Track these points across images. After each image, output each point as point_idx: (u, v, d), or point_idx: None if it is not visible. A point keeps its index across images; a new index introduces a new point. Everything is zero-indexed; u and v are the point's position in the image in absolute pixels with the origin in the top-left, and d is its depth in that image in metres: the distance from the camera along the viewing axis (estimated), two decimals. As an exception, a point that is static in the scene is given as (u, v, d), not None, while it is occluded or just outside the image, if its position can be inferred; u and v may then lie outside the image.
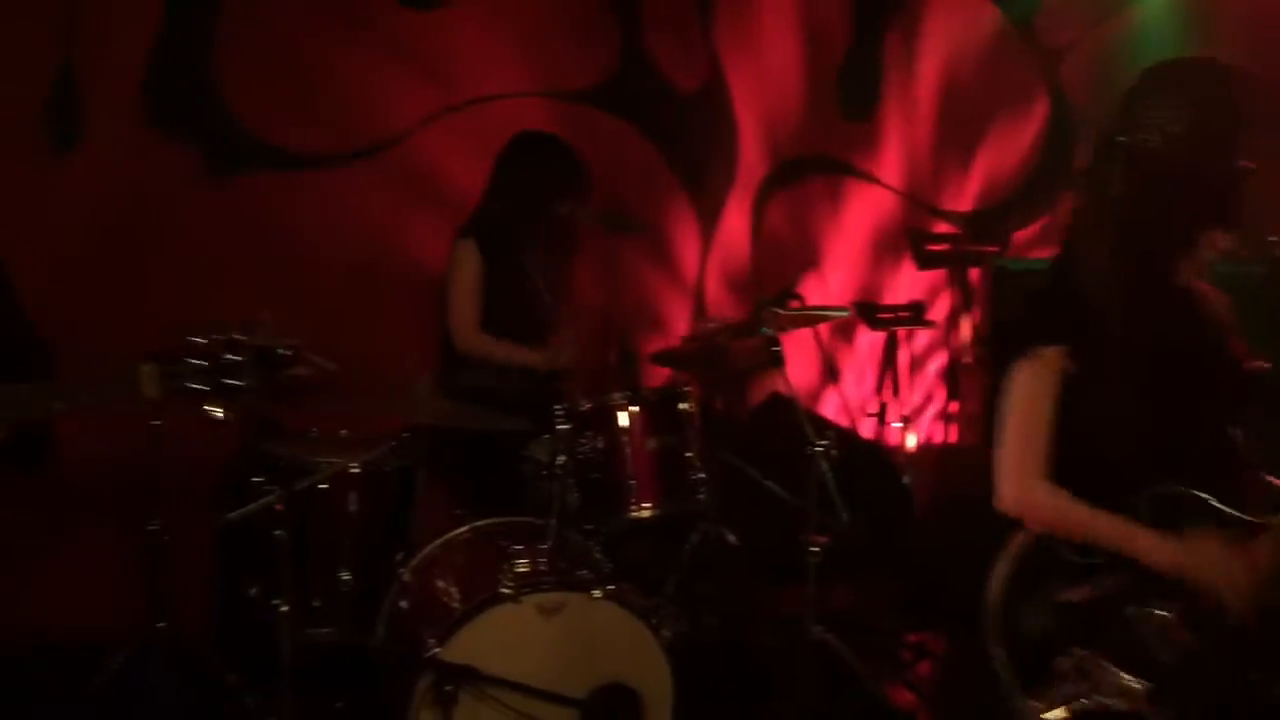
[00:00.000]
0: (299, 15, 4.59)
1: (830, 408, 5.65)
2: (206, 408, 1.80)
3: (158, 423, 3.50)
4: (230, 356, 1.82)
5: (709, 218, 5.45)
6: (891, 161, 5.77)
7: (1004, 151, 5.92)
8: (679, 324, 5.32)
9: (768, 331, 3.87)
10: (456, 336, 4.19)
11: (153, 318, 3.94)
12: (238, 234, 4.54)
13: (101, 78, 4.32)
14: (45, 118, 4.25)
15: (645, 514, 3.69)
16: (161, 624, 3.55)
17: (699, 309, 5.42)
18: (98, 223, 4.28)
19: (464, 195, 4.46)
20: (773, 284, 5.41)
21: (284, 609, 3.13)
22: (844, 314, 4.95)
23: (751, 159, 5.51)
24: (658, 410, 3.78)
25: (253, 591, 3.55)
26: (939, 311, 5.81)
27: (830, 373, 5.59)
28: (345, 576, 3.54)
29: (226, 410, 1.80)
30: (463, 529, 3.47)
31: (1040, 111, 5.95)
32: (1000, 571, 2.26)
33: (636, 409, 3.74)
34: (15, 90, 4.18)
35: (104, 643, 3.70)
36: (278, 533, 3.16)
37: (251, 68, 4.54)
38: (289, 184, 4.64)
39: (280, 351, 1.86)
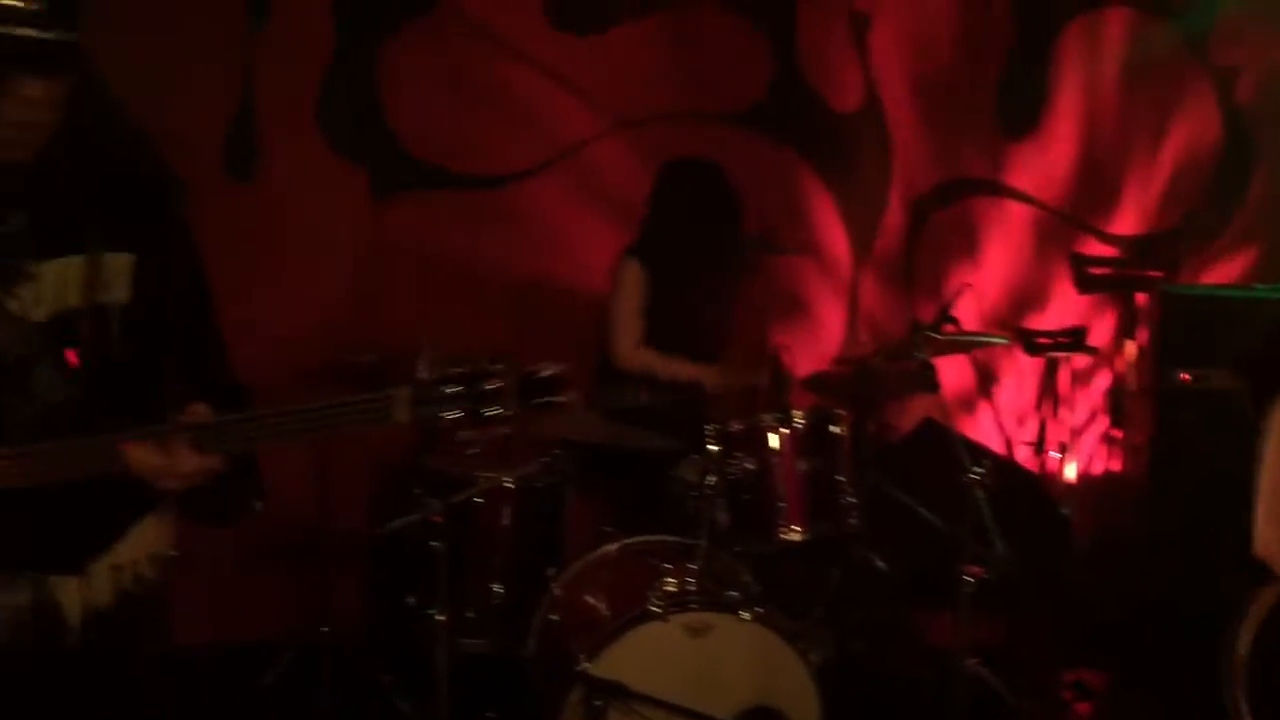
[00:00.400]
0: (459, 42, 4.74)
1: (985, 434, 5.51)
2: (461, 435, 1.72)
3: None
4: (488, 386, 1.71)
5: (863, 239, 5.40)
6: (1052, 182, 5.61)
7: (1174, 173, 5.70)
8: (831, 347, 5.27)
9: (922, 356, 3.81)
10: (617, 353, 4.22)
11: (327, 337, 4.08)
12: (400, 253, 4.70)
13: (278, 108, 4.52)
14: (226, 150, 4.47)
15: (794, 537, 3.66)
16: (324, 628, 3.68)
17: (852, 332, 5.37)
18: (275, 247, 4.47)
19: (621, 216, 4.53)
20: (928, 307, 5.32)
21: (440, 618, 3.21)
22: (1003, 341, 4.83)
23: (907, 179, 5.44)
24: (809, 433, 3.74)
25: (409, 600, 3.65)
26: (1100, 336, 5.61)
27: (984, 394, 5.46)
28: (498, 589, 3.61)
29: (479, 438, 1.73)
30: (612, 546, 3.50)
31: (1213, 132, 5.71)
32: (1248, 625, 2.18)
33: (787, 431, 3.72)
34: (198, 126, 4.39)
35: (271, 644, 3.86)
36: (435, 544, 3.24)
37: (415, 93, 4.70)
38: (449, 204, 4.78)
39: (544, 375, 1.74)
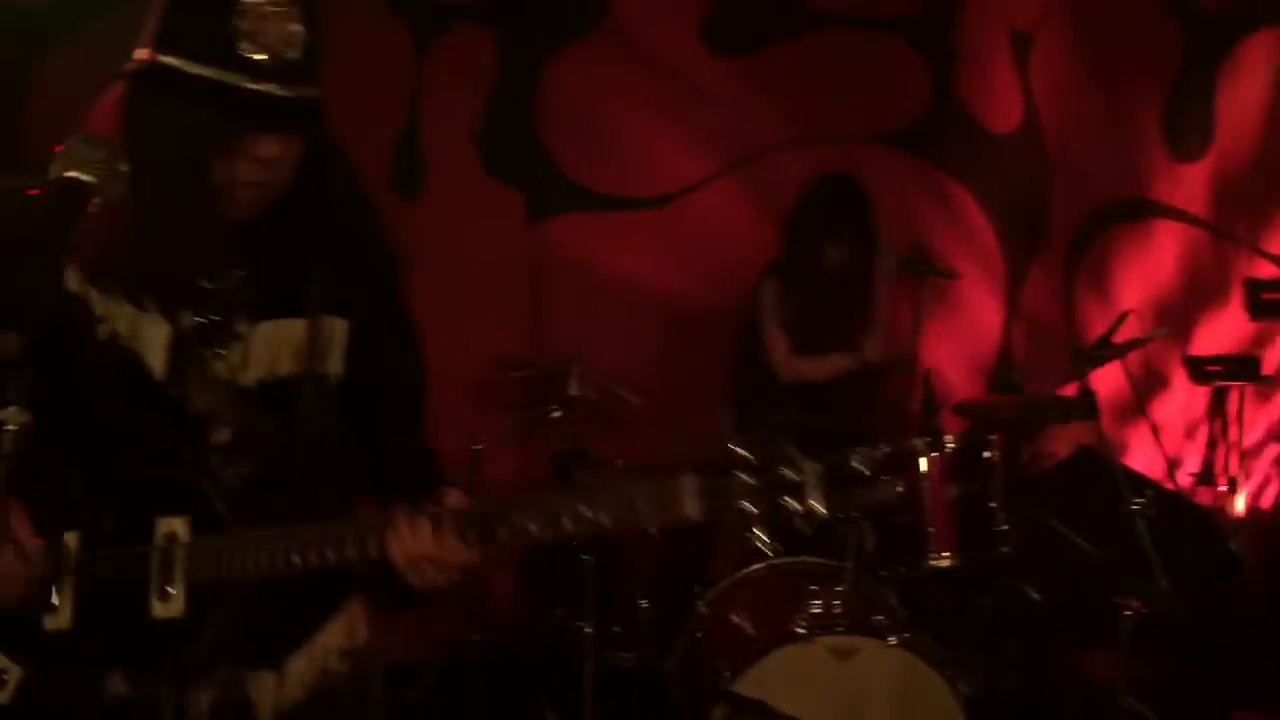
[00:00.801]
0: (615, 67, 4.84)
1: (1146, 464, 5.31)
2: (754, 532, 1.47)
3: (478, 446, 3.75)
4: (789, 473, 1.47)
5: (1019, 263, 5.29)
6: (1222, 204, 5.40)
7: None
8: (985, 372, 5.17)
9: (1081, 381, 3.71)
10: (775, 366, 4.27)
11: (485, 353, 4.19)
12: (557, 272, 4.81)
13: (441, 130, 4.69)
14: (393, 168, 4.65)
15: (944, 563, 3.60)
16: (475, 637, 3.78)
17: (1006, 357, 5.25)
18: (436, 263, 4.62)
19: (768, 238, 4.55)
20: (1087, 333, 5.17)
21: (587, 631, 3.27)
22: (1162, 334, 4.62)
23: (1067, 202, 5.30)
24: (960, 458, 3.69)
25: (558, 612, 3.72)
26: (1271, 364, 5.36)
27: (1145, 422, 5.27)
28: (644, 604, 3.65)
29: (771, 546, 1.48)
30: (759, 565, 3.51)
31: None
32: None
33: (937, 455, 3.67)
34: (366, 145, 4.57)
35: (421, 654, 3.97)
36: (585, 557, 3.30)
37: (572, 115, 4.81)
38: (604, 224, 4.87)
39: (857, 464, 1.49)
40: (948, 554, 3.61)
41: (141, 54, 1.60)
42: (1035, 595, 3.95)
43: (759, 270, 4.43)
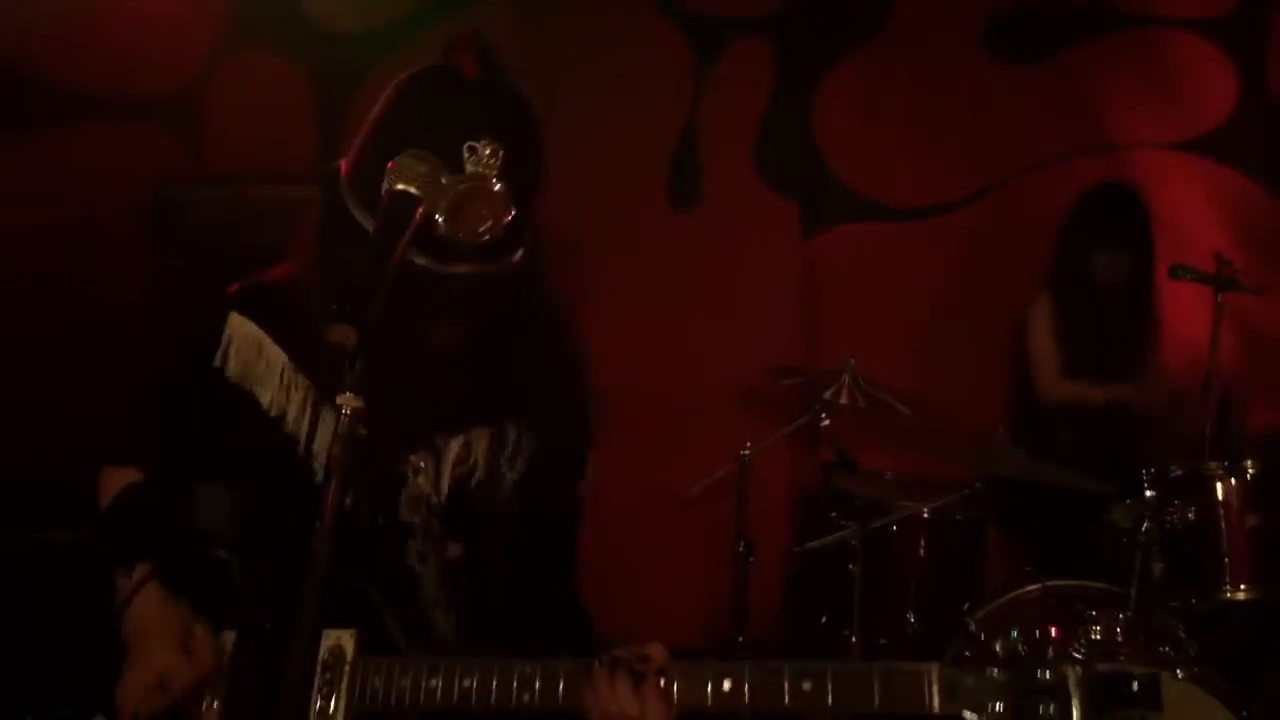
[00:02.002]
0: (894, 76, 4.78)
1: None
2: None
3: (746, 452, 3.79)
4: (1045, 675, 1.36)
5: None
6: None
7: None
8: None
9: None
10: (1042, 385, 4.16)
11: (757, 361, 4.24)
12: (827, 282, 4.80)
13: (718, 142, 4.77)
14: (669, 181, 4.77)
15: (1241, 596, 3.37)
16: (740, 639, 3.83)
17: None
18: (711, 273, 4.71)
19: (1048, 250, 4.39)
20: None
21: (853, 639, 3.25)
22: None
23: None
24: (1262, 485, 3.45)
25: (823, 619, 3.72)
26: None
27: None
28: (911, 618, 3.59)
29: None
30: (1033, 586, 3.38)
31: None
32: None
33: (1235, 481, 3.44)
34: (643, 158, 4.71)
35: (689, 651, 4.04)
36: (851, 566, 3.29)
37: (847, 126, 4.80)
38: (878, 235, 4.83)
39: (1121, 676, 1.35)
40: (1245, 586, 3.37)
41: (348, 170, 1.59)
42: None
43: (1036, 285, 4.30)
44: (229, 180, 3.63)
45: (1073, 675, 1.37)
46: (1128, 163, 4.72)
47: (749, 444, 3.80)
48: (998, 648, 1.42)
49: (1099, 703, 1.36)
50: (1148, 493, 3.30)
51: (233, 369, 1.71)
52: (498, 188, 1.48)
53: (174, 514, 1.80)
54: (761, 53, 4.79)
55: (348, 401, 1.33)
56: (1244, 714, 2.97)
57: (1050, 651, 1.39)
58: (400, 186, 1.46)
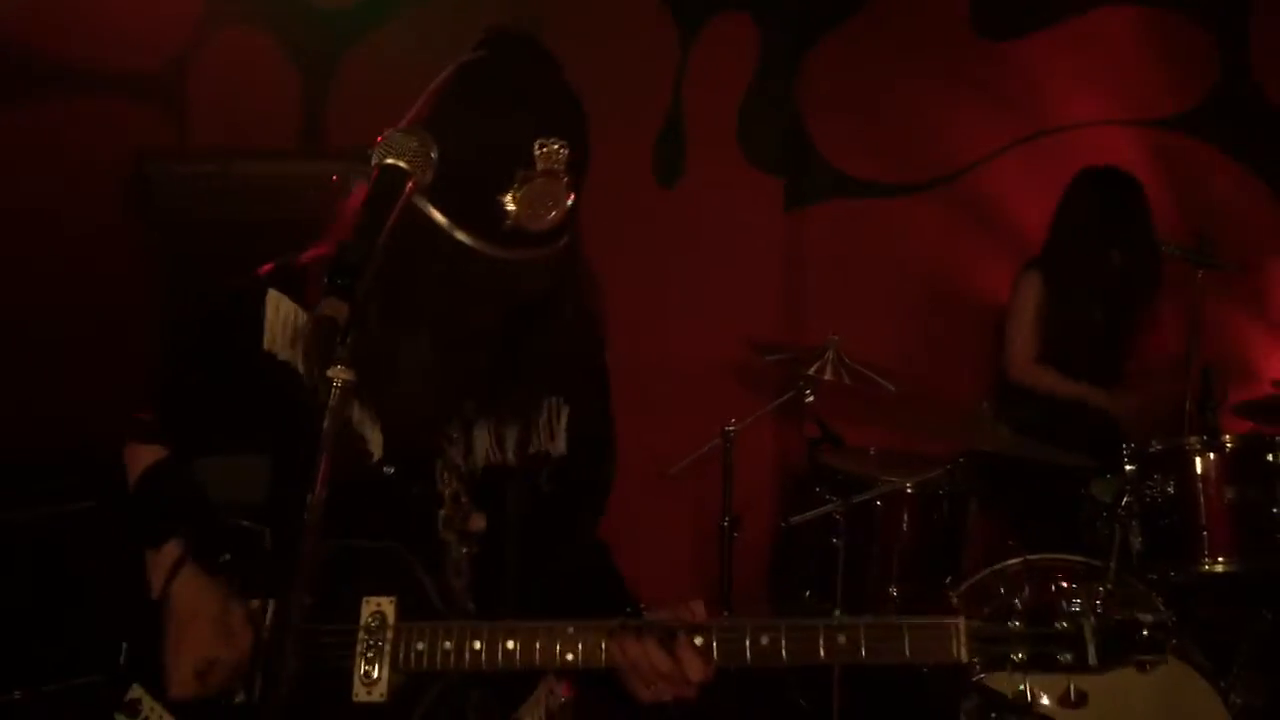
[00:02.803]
0: (878, 53, 4.79)
1: None
2: (1016, 685, 1.48)
3: (731, 428, 3.81)
4: (1063, 625, 1.48)
5: (1316, 254, 4.91)
6: None
7: None
8: (1272, 370, 4.83)
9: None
10: (1012, 366, 4.21)
11: (739, 334, 4.26)
12: (812, 258, 4.82)
13: (702, 119, 4.77)
14: (654, 158, 4.76)
15: (1219, 569, 3.42)
16: (726, 613, 3.86)
17: (1297, 354, 4.89)
18: (694, 248, 4.72)
19: (1033, 227, 4.42)
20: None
21: (836, 613, 3.29)
22: None
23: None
24: (1240, 458, 3.49)
25: (807, 594, 3.75)
26: None
27: None
28: (894, 592, 3.63)
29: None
30: (1014, 560, 3.42)
31: None
32: None
33: (1214, 455, 3.48)
34: (631, 134, 4.69)
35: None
36: (835, 541, 3.32)
37: (832, 104, 4.80)
38: (862, 212, 4.85)
39: (1131, 623, 1.48)
40: (1223, 559, 3.42)
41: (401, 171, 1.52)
42: (1324, 611, 3.68)
43: (1021, 263, 4.32)
44: (212, 156, 3.61)
45: (1088, 625, 1.48)
46: (1111, 139, 4.74)
47: (734, 420, 3.82)
48: (1017, 601, 1.52)
49: (1112, 649, 1.48)
50: (1127, 467, 3.34)
51: (276, 343, 1.74)
52: (565, 181, 1.54)
53: (202, 488, 1.83)
54: (745, 29, 4.79)
55: (338, 374, 1.34)
56: (1221, 685, 3.01)
57: (1066, 604, 1.49)
58: (390, 161, 1.47)
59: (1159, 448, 3.51)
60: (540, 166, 1.52)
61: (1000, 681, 2.95)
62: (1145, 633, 1.49)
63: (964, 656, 1.49)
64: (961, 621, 1.50)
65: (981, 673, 2.93)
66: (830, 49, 4.82)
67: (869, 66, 4.80)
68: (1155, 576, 3.41)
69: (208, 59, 3.91)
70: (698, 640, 1.56)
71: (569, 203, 1.57)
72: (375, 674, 1.62)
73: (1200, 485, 3.46)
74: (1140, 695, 2.96)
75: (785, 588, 4.02)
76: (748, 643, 1.55)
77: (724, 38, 4.76)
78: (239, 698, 1.68)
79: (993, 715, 2.89)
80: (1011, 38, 4.83)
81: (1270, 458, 3.48)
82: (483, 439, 1.77)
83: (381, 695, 1.61)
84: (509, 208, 1.52)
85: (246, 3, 3.96)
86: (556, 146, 1.53)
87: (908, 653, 1.52)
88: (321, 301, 1.34)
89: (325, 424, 1.35)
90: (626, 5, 4.58)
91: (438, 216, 1.54)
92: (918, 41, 4.80)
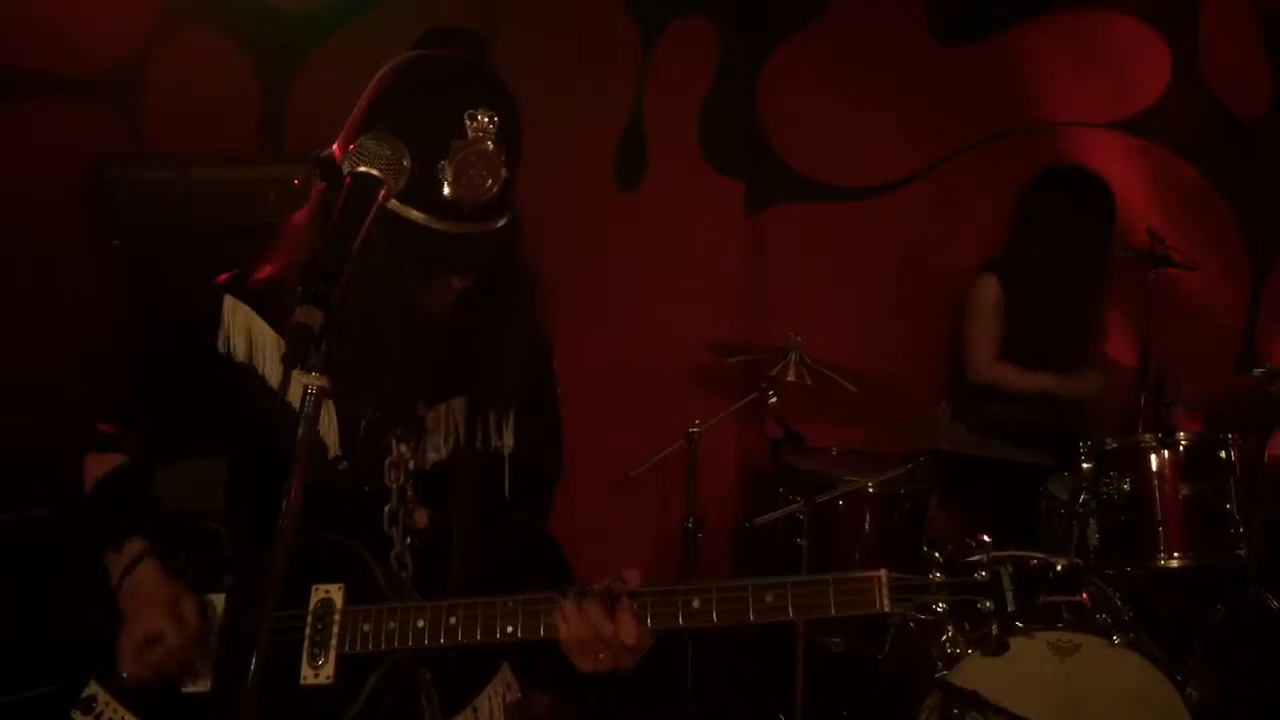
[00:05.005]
0: (837, 58, 4.82)
1: None
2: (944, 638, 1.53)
3: (694, 429, 3.83)
4: (981, 574, 1.53)
5: (1265, 255, 5.00)
6: None
7: None
8: (1223, 368, 4.92)
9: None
10: (970, 367, 4.25)
11: (702, 338, 4.28)
12: (773, 261, 4.85)
13: (663, 123, 4.78)
14: (615, 162, 4.77)
15: (1174, 564, 3.48)
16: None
17: (1247, 353, 4.98)
18: (656, 253, 4.71)
19: (990, 228, 4.47)
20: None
21: (800, 613, 3.31)
22: None
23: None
24: (1194, 455, 3.56)
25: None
26: None
27: None
28: (857, 591, 3.66)
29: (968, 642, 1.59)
30: (975, 557, 3.46)
31: None
32: None
33: (1169, 452, 3.54)
34: (593, 139, 4.69)
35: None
36: (799, 540, 3.34)
37: (791, 108, 4.83)
38: (823, 215, 4.88)
39: (1044, 568, 1.55)
40: (1178, 554, 3.49)
41: (341, 155, 1.60)
42: (1276, 604, 3.75)
43: (978, 264, 4.38)
44: (169, 160, 3.58)
45: (1005, 573, 1.54)
46: (1065, 141, 4.81)
47: (697, 421, 3.84)
48: (938, 554, 1.58)
49: (1028, 591, 1.55)
50: (1084, 465, 3.40)
51: (235, 347, 1.77)
52: (492, 148, 1.61)
53: (160, 493, 1.85)
54: (705, 33, 4.80)
55: (313, 381, 1.36)
56: (1178, 678, 3.06)
57: (983, 555, 1.55)
58: (363, 169, 1.50)
59: (1115, 445, 3.57)
60: (472, 136, 1.59)
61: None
62: (1059, 570, 1.58)
63: (886, 607, 1.55)
64: (884, 574, 1.56)
65: (944, 669, 2.99)
66: (790, 54, 4.85)
67: (828, 71, 4.83)
68: (1112, 572, 3.47)
69: (165, 61, 3.88)
70: (636, 606, 1.61)
71: (503, 173, 1.63)
72: (321, 658, 1.66)
73: (1156, 482, 3.53)
74: (1098, 688, 3.00)
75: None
76: (679, 605, 1.59)
77: (684, 41, 4.78)
78: (186, 686, 1.71)
79: (955, 712, 2.92)
80: (967, 43, 4.89)
81: (1223, 455, 3.56)
82: (432, 436, 1.80)
83: (328, 678, 1.65)
84: (446, 176, 1.58)
85: (205, 4, 3.93)
86: (485, 119, 1.60)
87: (833, 609, 1.57)
88: (297, 309, 1.35)
89: (300, 431, 1.36)
90: (586, 10, 4.58)
91: (394, 204, 1.58)
92: (876, 47, 4.84)
